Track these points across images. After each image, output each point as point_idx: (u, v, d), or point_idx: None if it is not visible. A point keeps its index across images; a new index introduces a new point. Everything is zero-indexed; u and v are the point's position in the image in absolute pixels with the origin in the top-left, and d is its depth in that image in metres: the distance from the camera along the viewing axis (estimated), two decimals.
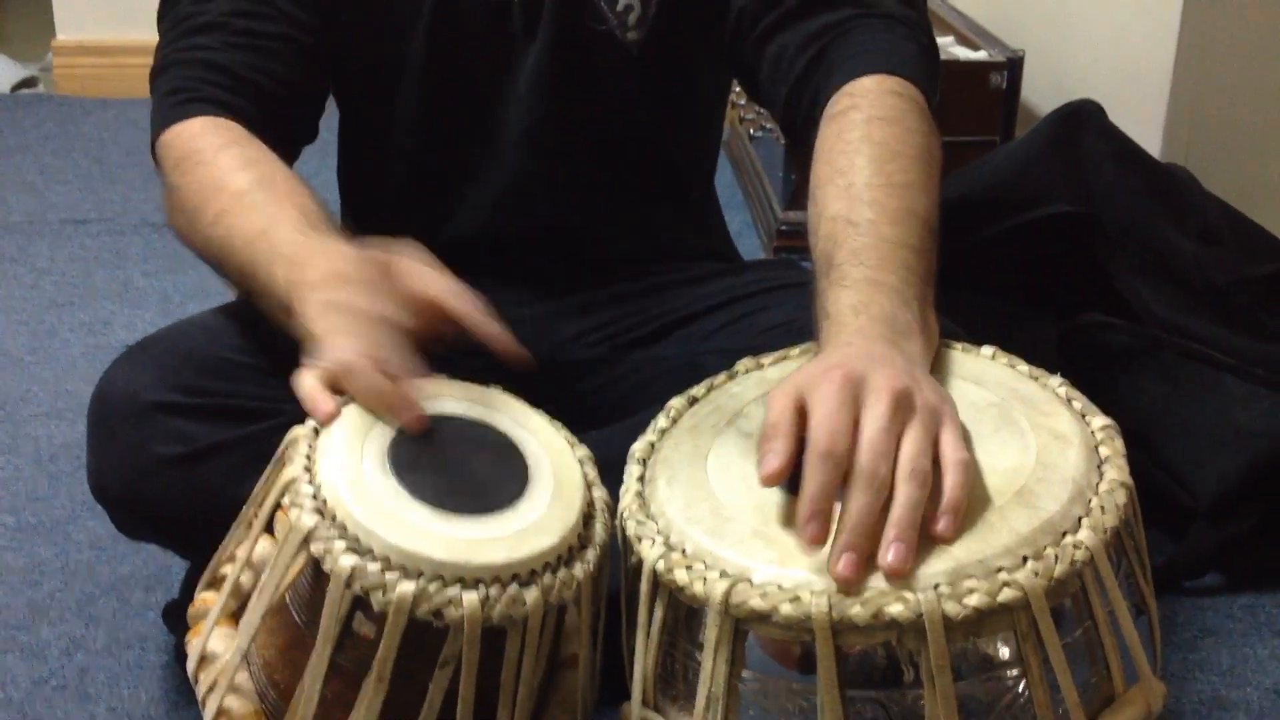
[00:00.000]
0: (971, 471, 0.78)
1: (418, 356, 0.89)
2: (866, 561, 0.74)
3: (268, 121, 1.10)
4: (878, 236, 0.91)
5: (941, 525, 0.76)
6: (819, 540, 0.76)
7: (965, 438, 0.81)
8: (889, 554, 0.74)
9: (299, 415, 0.87)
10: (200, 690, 0.88)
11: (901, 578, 0.74)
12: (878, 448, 0.76)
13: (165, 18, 1.16)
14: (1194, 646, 1.22)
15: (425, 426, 0.86)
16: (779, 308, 1.18)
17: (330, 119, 1.23)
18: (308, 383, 0.88)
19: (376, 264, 0.94)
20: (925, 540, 0.76)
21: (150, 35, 1.17)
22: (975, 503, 0.78)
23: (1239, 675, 1.19)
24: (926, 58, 1.10)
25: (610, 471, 0.92)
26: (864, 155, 0.97)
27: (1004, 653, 0.76)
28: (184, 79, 1.11)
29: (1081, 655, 0.78)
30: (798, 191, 2.11)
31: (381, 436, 0.87)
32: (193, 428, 1.02)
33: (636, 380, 1.19)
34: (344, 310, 0.90)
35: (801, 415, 0.79)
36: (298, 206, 1.00)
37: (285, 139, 1.11)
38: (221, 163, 1.04)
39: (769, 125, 2.25)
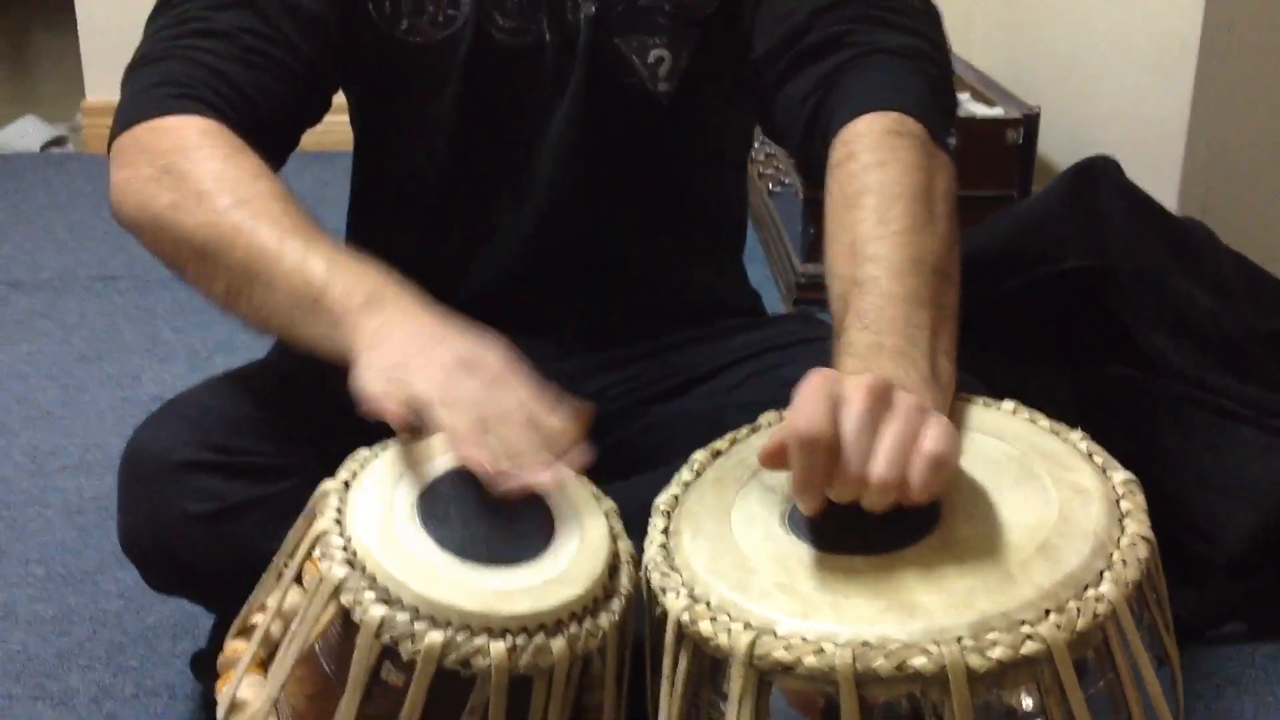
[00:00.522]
0: (945, 464, 0.79)
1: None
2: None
3: (254, 140, 1.07)
4: (881, 295, 0.91)
5: (916, 489, 0.78)
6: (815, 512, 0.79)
7: (990, 483, 0.82)
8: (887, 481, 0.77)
9: (328, 473, 0.89)
10: None
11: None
12: (857, 442, 0.78)
13: (164, 14, 1.14)
14: (1217, 695, 1.22)
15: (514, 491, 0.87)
16: (801, 362, 1.17)
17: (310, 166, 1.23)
18: (394, 404, 0.87)
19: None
20: (951, 590, 0.76)
21: None
22: (998, 555, 0.78)
23: None
24: (932, 88, 1.08)
25: (633, 524, 0.92)
26: (863, 208, 0.97)
27: (1027, 704, 0.76)
28: (181, 75, 1.08)
29: (1104, 707, 0.78)
30: (815, 244, 2.13)
31: (411, 487, 0.88)
32: (222, 485, 1.03)
33: (659, 434, 1.20)
34: (399, 314, 0.92)
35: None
36: (325, 231, 1.01)
37: (266, 156, 1.08)
38: (238, 164, 1.03)
39: (787, 180, 2.28)
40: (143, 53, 1.12)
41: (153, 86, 1.08)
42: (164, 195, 1.02)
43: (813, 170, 1.11)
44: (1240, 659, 1.27)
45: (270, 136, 1.10)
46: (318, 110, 1.18)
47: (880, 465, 0.77)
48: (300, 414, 1.01)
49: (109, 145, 1.09)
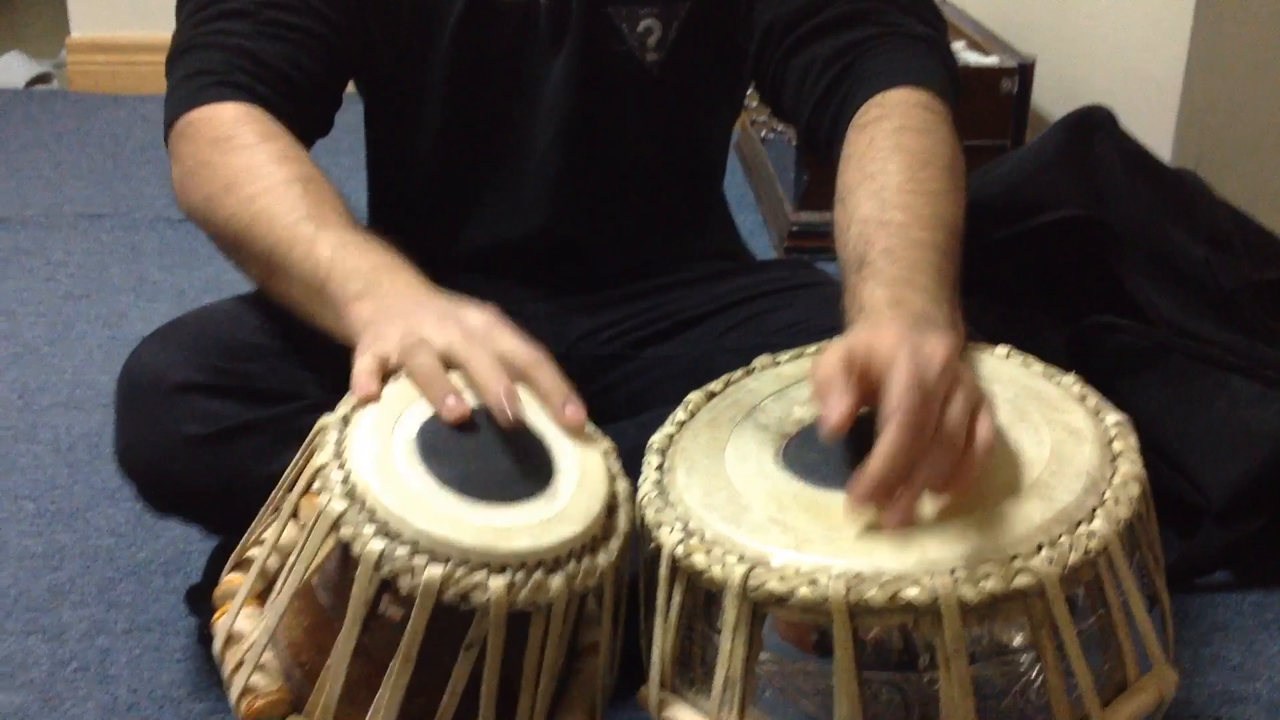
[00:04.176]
0: (991, 456, 0.79)
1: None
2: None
3: (290, 112, 1.10)
4: (909, 239, 0.93)
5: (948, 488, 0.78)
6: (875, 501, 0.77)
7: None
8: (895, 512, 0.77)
9: (324, 398, 0.89)
10: (226, 669, 0.90)
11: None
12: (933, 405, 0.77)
13: (189, 1, 1.16)
14: (1204, 642, 1.24)
15: (464, 417, 0.88)
16: (791, 307, 1.19)
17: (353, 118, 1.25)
18: (364, 362, 0.89)
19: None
20: (944, 524, 0.77)
21: (164, 32, 1.17)
22: (991, 493, 0.79)
23: (1249, 670, 1.20)
24: (950, 75, 1.13)
25: (624, 466, 0.92)
26: (895, 162, 1.00)
27: (1019, 639, 0.77)
28: (212, 62, 1.10)
29: (1095, 643, 0.80)
30: (809, 192, 2.13)
31: (410, 425, 0.88)
32: (219, 408, 1.04)
33: (649, 378, 1.21)
34: (400, 298, 0.92)
35: (854, 374, 0.80)
36: (344, 212, 1.02)
37: (303, 130, 1.12)
38: (264, 150, 1.05)
39: (780, 128, 2.27)
40: (176, 43, 1.14)
41: (187, 78, 1.11)
42: (201, 190, 1.06)
43: (821, 138, 1.13)
44: (1228, 606, 1.29)
45: (307, 104, 1.13)
46: (350, 69, 1.20)
47: (954, 429, 0.77)
48: (298, 340, 1.01)
49: (166, 139, 1.13)
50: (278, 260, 0.99)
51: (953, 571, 0.75)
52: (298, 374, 1.06)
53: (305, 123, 1.13)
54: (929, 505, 0.79)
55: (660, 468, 0.89)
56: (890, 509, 0.77)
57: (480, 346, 0.88)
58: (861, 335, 0.82)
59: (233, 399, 1.04)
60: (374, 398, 0.88)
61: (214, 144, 1.07)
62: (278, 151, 1.05)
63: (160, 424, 1.04)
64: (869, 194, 0.98)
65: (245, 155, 1.05)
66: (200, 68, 1.11)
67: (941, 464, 0.77)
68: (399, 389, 0.90)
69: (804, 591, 0.76)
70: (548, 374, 0.90)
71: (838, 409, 0.78)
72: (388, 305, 0.93)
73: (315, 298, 0.97)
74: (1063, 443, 0.83)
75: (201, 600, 1.12)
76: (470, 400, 0.89)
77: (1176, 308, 1.42)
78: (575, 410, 0.90)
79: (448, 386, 0.87)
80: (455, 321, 0.90)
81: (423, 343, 0.88)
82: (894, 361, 0.78)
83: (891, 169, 0.99)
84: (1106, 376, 1.35)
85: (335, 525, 0.83)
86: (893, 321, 0.84)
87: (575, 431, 0.93)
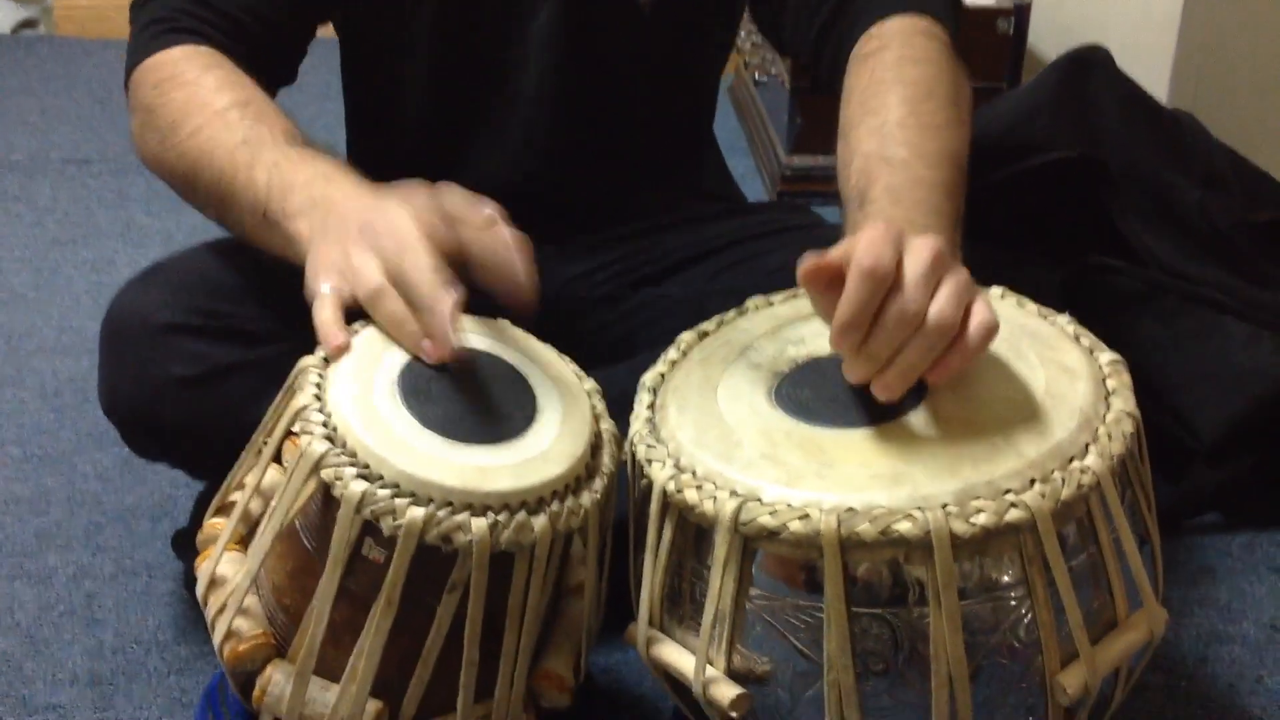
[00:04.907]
0: (993, 335, 0.78)
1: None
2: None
3: (248, 61, 1.09)
4: (911, 177, 0.92)
5: (943, 368, 0.77)
6: (852, 349, 0.77)
7: (976, 360, 0.81)
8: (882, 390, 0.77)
9: (310, 339, 0.88)
10: (209, 612, 0.89)
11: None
12: (919, 286, 0.76)
13: None
14: (1193, 583, 1.24)
15: (450, 358, 0.86)
16: (784, 249, 1.17)
17: (325, 68, 1.23)
18: (324, 313, 0.88)
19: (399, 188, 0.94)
20: (936, 460, 0.77)
21: None
22: (984, 427, 0.78)
23: (1236, 611, 1.20)
24: (953, 1, 1.11)
25: (615, 409, 0.92)
26: (896, 95, 0.98)
27: (1009, 575, 0.77)
28: (167, 9, 1.09)
29: (1086, 580, 0.79)
30: (802, 136, 2.11)
31: (391, 366, 0.87)
32: (204, 349, 1.02)
33: (642, 319, 1.20)
34: (333, 210, 0.91)
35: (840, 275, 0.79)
36: (283, 127, 1.01)
37: (264, 80, 1.09)
38: (204, 83, 1.04)
39: (774, 70, 2.25)
40: None
41: (144, 28, 1.10)
42: (153, 136, 1.06)
43: (823, 71, 1.12)
44: (1217, 548, 1.29)
45: (265, 52, 1.11)
46: (317, 18, 1.18)
47: (943, 306, 0.76)
48: (283, 282, 0.99)
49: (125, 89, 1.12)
50: (224, 191, 0.99)
51: (944, 506, 0.75)
52: (285, 315, 1.04)
53: (263, 71, 1.10)
54: (929, 428, 0.79)
55: (652, 406, 0.88)
56: (878, 381, 0.77)
57: (411, 268, 0.86)
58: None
59: (220, 340, 1.03)
60: (345, 348, 0.87)
61: (158, 86, 1.06)
62: (216, 81, 1.04)
63: (146, 366, 1.03)
64: (870, 130, 0.97)
65: (186, 90, 1.04)
66: (156, 16, 1.10)
67: (933, 343, 0.76)
68: (377, 330, 0.89)
69: (795, 526, 0.76)
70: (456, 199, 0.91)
71: (806, 262, 0.78)
72: (327, 225, 0.91)
73: (261, 224, 0.96)
74: (1057, 380, 0.82)
75: (187, 545, 1.11)
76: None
77: (1171, 249, 1.41)
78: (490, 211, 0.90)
79: (419, 331, 0.86)
80: (379, 250, 0.87)
81: (382, 289, 0.86)
82: (863, 245, 0.77)
83: (892, 103, 0.98)
84: (1101, 317, 1.33)
85: (316, 467, 0.82)
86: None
87: (557, 366, 0.92)
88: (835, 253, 0.78)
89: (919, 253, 0.77)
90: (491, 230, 0.91)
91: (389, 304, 0.87)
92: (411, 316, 0.86)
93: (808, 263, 0.78)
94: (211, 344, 1.03)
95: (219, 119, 1.01)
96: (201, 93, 1.03)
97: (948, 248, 0.80)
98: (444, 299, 0.85)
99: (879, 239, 0.77)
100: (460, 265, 0.90)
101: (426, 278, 0.85)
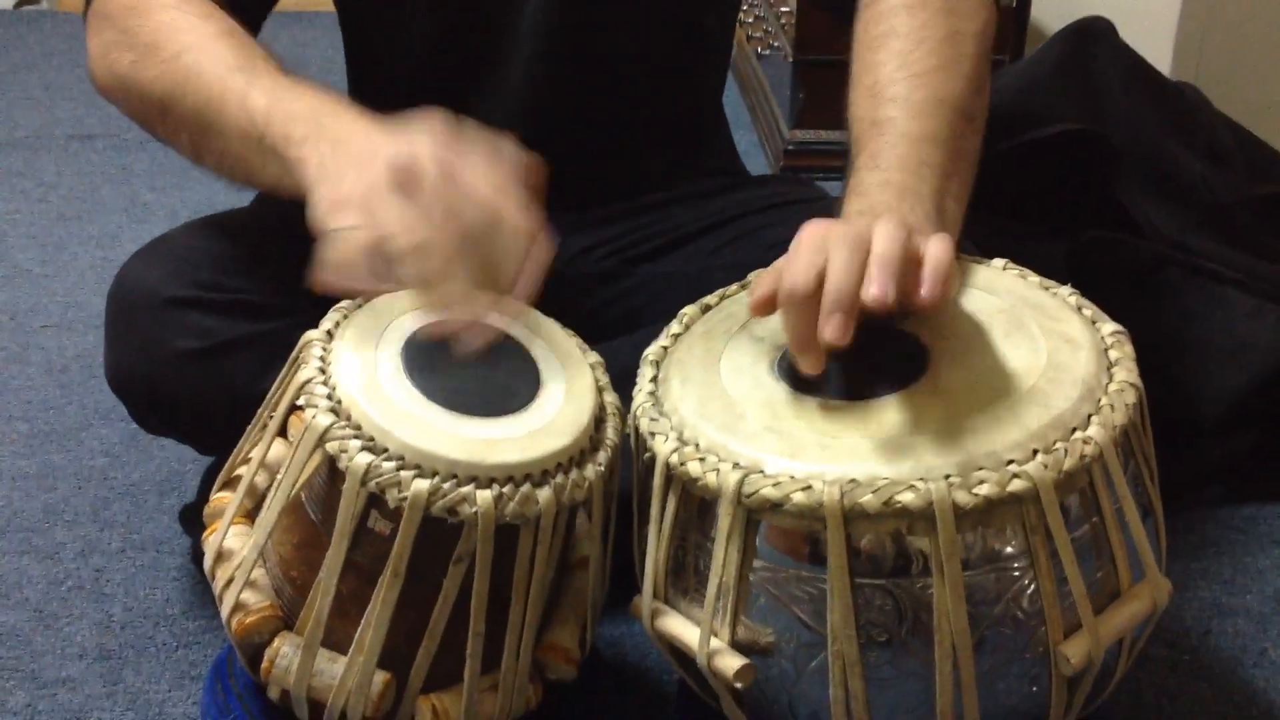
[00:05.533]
0: (952, 251, 0.80)
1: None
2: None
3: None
4: (896, 134, 0.91)
5: (925, 288, 0.78)
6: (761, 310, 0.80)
7: (981, 340, 0.82)
8: (871, 286, 0.76)
9: (315, 313, 0.88)
10: (217, 586, 0.90)
11: (884, 304, 0.76)
12: (849, 240, 0.78)
13: None
14: (1196, 556, 1.24)
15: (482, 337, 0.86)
16: (787, 223, 1.16)
17: (326, 42, 1.23)
18: (337, 251, 0.84)
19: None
20: (939, 431, 0.77)
21: None
22: (986, 399, 0.79)
23: (1239, 584, 1.21)
24: None
25: (618, 383, 0.92)
26: (887, 49, 0.97)
27: (1012, 545, 0.77)
28: None
29: (1089, 550, 0.79)
30: (804, 110, 2.10)
31: (396, 339, 0.87)
32: (210, 322, 1.02)
33: (644, 294, 1.20)
34: (346, 143, 0.88)
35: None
36: (274, 59, 0.98)
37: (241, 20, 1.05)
38: (187, 9, 1.01)
39: (776, 43, 2.24)
40: None
41: None
42: (125, 55, 1.01)
43: (847, 19, 1.09)
44: (1220, 521, 1.29)
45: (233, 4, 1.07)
46: None
47: (873, 288, 0.76)
48: (288, 256, 1.00)
49: (84, 17, 1.08)
50: (211, 117, 0.95)
51: (947, 476, 0.75)
52: (291, 289, 1.04)
53: (233, 13, 1.05)
54: (931, 399, 0.79)
55: (655, 379, 0.88)
56: (867, 289, 0.77)
57: (444, 236, 0.82)
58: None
59: (225, 314, 1.03)
60: (357, 292, 0.86)
61: (132, 10, 1.02)
62: (200, 10, 1.01)
63: (151, 340, 1.03)
64: (864, 91, 0.96)
65: (168, 14, 1.01)
66: None
67: (890, 250, 0.77)
68: (384, 301, 0.89)
69: (798, 497, 0.76)
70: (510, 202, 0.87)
71: (811, 363, 0.80)
72: (337, 156, 0.88)
73: (254, 149, 0.93)
74: (1059, 351, 0.82)
75: (195, 519, 1.11)
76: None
77: (1173, 222, 1.41)
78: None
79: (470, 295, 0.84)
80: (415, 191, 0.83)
81: (420, 248, 0.81)
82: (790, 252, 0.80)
83: (883, 58, 0.97)
84: (1103, 290, 1.33)
85: (321, 440, 0.83)
86: None
87: (560, 340, 0.92)
88: (767, 281, 0.81)
89: (837, 249, 0.78)
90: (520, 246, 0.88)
91: (435, 261, 0.82)
92: (463, 280, 0.83)
93: (750, 303, 0.82)
94: (217, 318, 1.03)
95: (208, 44, 0.97)
96: (185, 19, 1.00)
97: (868, 223, 0.80)
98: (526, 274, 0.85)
99: (799, 253, 0.79)
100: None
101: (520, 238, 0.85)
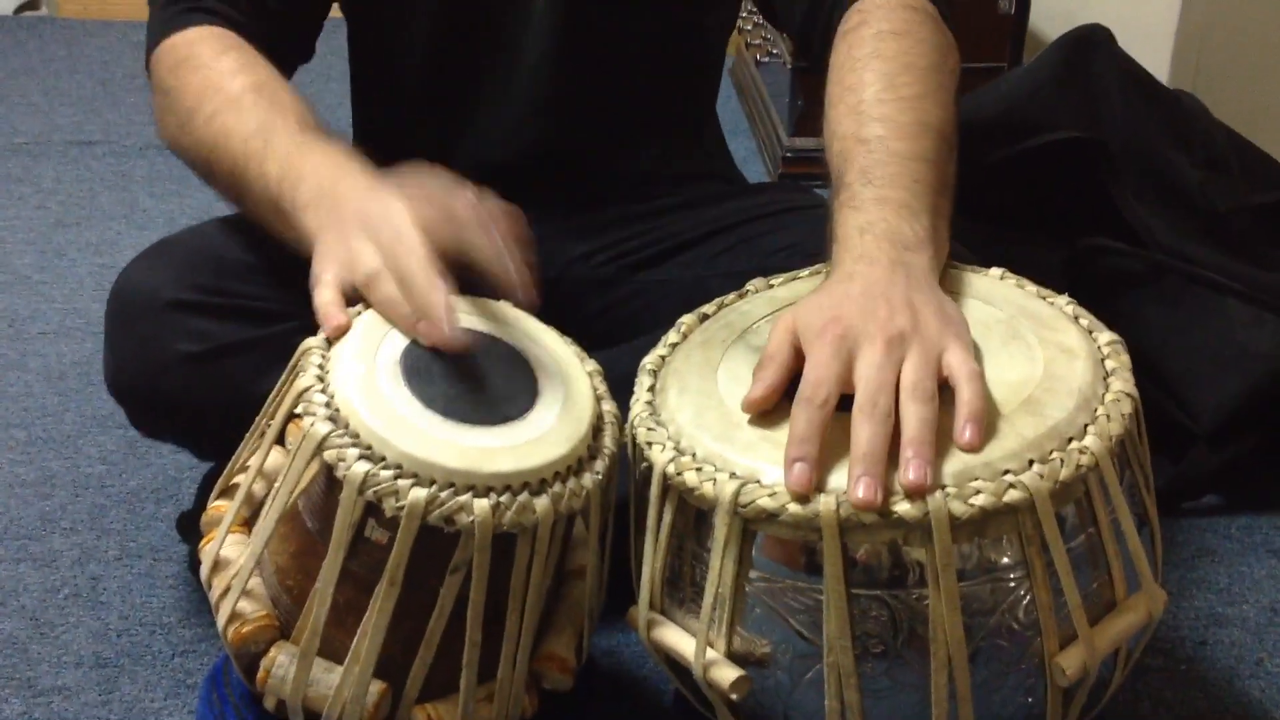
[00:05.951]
0: (984, 381, 0.79)
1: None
2: (885, 485, 0.75)
3: (265, 38, 1.10)
4: (887, 152, 0.91)
5: (967, 435, 0.76)
6: (803, 488, 0.77)
7: (976, 354, 0.82)
8: (909, 471, 0.75)
9: (315, 320, 0.88)
10: (213, 595, 0.90)
11: (922, 494, 0.75)
12: (874, 382, 0.77)
13: None
14: (1192, 565, 1.24)
15: (446, 340, 0.87)
16: (785, 230, 1.18)
17: (333, 41, 1.23)
18: (324, 295, 0.89)
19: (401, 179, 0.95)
20: (944, 451, 0.77)
21: None
22: None
23: (1236, 594, 1.21)
24: None
25: (616, 390, 0.92)
26: (873, 71, 0.97)
27: (1008, 556, 0.77)
28: None
29: (1084, 561, 0.79)
30: (803, 118, 2.11)
31: (394, 347, 0.88)
32: (210, 326, 1.03)
33: (642, 301, 1.20)
34: (338, 201, 0.92)
35: (798, 351, 0.81)
36: (295, 113, 1.01)
37: (281, 57, 1.11)
38: (220, 66, 1.05)
39: (775, 51, 2.24)
40: None
41: (162, 8, 1.11)
42: (171, 120, 1.08)
43: (814, 48, 1.11)
44: (1216, 530, 1.29)
45: (282, 29, 1.12)
46: None
47: (911, 474, 0.75)
48: (289, 260, 1.00)
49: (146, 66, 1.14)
50: (239, 179, 1.00)
51: (943, 487, 0.75)
52: (290, 293, 1.05)
53: (282, 48, 1.11)
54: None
55: (652, 388, 0.88)
56: (914, 471, 0.75)
57: (405, 254, 0.88)
58: (803, 311, 0.83)
59: (226, 318, 1.04)
60: (345, 328, 0.88)
61: (175, 69, 1.07)
62: (231, 65, 1.05)
63: (152, 343, 1.03)
64: (848, 109, 0.96)
65: (202, 74, 1.05)
66: None
67: (922, 415, 0.76)
68: (379, 314, 0.89)
69: (794, 508, 0.76)
70: (479, 238, 0.92)
71: (755, 392, 0.81)
72: (331, 216, 0.93)
73: (273, 214, 0.98)
74: (1055, 360, 0.82)
75: (192, 527, 1.12)
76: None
77: (1171, 230, 1.41)
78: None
79: (412, 314, 0.87)
80: (376, 239, 0.90)
81: (379, 273, 0.88)
82: (810, 351, 0.80)
83: (868, 79, 0.97)
84: (1101, 299, 1.33)
85: (319, 448, 0.83)
86: (848, 281, 0.84)
87: (558, 348, 0.93)
88: (769, 378, 0.81)
89: (868, 357, 0.78)
90: (488, 235, 0.92)
91: (384, 287, 0.89)
92: (404, 299, 0.88)
93: (745, 405, 0.82)
94: (217, 321, 1.03)
95: (234, 105, 1.02)
96: (215, 76, 1.04)
97: (903, 317, 0.80)
98: (438, 283, 0.87)
99: (824, 358, 0.79)
100: (461, 264, 0.91)
101: (419, 263, 0.88)
